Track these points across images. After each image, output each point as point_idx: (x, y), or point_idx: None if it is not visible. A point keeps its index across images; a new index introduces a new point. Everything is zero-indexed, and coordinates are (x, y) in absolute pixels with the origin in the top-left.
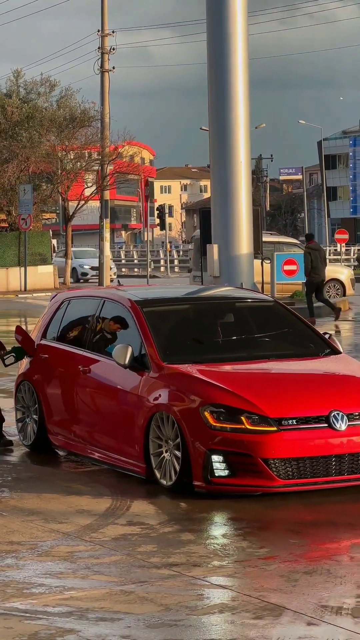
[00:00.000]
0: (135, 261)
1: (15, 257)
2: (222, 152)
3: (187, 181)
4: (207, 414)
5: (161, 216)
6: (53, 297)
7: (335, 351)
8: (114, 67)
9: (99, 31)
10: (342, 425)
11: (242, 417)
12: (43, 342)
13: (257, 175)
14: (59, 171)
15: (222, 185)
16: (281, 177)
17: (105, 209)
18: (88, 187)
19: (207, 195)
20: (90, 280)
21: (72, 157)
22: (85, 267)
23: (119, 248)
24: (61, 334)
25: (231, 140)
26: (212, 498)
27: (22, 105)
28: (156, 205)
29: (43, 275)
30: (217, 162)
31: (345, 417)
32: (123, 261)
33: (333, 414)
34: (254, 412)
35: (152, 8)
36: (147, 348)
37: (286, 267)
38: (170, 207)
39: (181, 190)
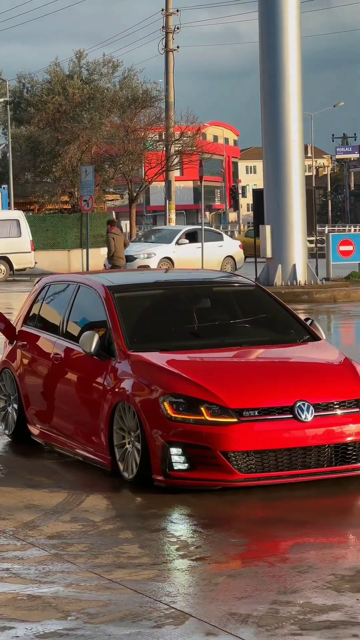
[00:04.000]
0: None
1: (77, 239)
2: (273, 132)
3: None
4: (166, 404)
5: (234, 197)
6: (37, 281)
7: (315, 338)
8: (178, 47)
9: (163, 10)
10: (307, 416)
11: (202, 408)
12: (24, 328)
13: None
14: (137, 151)
15: (274, 165)
16: (337, 157)
17: (169, 190)
18: (151, 167)
19: None
20: None
21: (132, 138)
22: None
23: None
24: (39, 320)
25: (283, 119)
26: (172, 492)
27: (84, 87)
28: (240, 185)
29: (105, 257)
30: (268, 142)
31: (311, 408)
32: None
33: (298, 404)
34: (214, 403)
35: None
36: (114, 335)
37: (342, 248)
38: (244, 187)
39: None
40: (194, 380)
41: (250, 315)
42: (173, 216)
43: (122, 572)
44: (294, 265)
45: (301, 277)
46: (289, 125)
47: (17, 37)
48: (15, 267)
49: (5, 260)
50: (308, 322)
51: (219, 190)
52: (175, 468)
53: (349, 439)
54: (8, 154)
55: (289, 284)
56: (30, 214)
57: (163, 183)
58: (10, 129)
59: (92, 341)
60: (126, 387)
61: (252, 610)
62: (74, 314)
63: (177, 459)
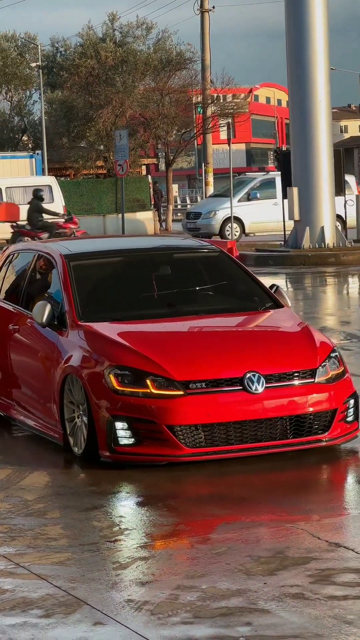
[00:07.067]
0: None
1: (112, 204)
2: (299, 92)
3: None
4: (111, 376)
5: (278, 158)
6: (4, 250)
7: (278, 305)
8: (214, 7)
9: None
10: (258, 388)
11: (148, 380)
12: None
13: None
14: (172, 115)
15: (301, 126)
16: None
17: (205, 153)
18: (186, 131)
19: (347, 135)
20: None
21: (167, 101)
22: None
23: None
24: (2, 290)
25: (309, 78)
26: (120, 468)
27: (116, 50)
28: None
29: (141, 222)
30: (294, 102)
31: (262, 379)
32: None
33: (248, 375)
34: (160, 375)
35: None
36: (66, 305)
37: None
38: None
39: None
40: (140, 351)
41: (212, 283)
42: (211, 179)
43: (33, 555)
44: (322, 227)
45: (329, 239)
46: (316, 86)
47: (53, 1)
48: None
49: None
50: (273, 289)
51: (271, 153)
52: (121, 443)
53: (304, 410)
54: (42, 119)
55: (317, 246)
56: (67, 179)
57: (223, 146)
58: (45, 94)
59: (44, 312)
60: (74, 358)
61: (152, 596)
62: (32, 283)
63: (123, 434)
